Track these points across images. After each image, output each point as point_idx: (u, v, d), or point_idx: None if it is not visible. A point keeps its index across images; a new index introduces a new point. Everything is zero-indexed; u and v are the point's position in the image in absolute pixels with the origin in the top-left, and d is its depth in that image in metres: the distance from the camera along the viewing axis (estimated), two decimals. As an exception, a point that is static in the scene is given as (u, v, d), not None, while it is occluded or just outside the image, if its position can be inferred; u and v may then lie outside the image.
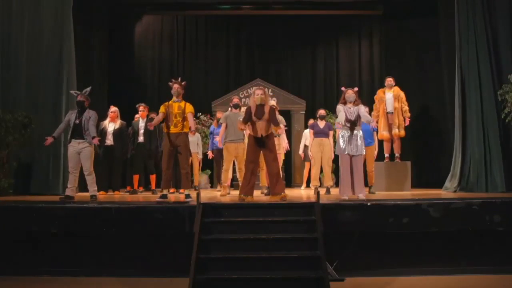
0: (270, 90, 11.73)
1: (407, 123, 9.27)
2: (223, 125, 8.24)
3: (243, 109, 8.90)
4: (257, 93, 6.61)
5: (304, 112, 11.90)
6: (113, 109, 8.99)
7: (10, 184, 8.25)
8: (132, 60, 12.92)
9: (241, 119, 7.67)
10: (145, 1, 12.10)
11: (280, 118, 8.38)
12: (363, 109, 7.02)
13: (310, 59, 13.19)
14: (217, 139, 8.79)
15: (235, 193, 8.83)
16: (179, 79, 7.14)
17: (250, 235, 5.56)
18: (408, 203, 6.21)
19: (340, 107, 6.98)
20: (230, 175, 8.55)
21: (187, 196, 6.89)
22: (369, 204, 6.12)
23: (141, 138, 9.03)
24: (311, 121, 10.09)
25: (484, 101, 8.67)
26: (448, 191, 8.81)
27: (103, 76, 11.08)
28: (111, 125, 8.85)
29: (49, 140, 7.03)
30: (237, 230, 5.65)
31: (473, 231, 6.19)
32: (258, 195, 8.59)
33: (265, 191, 8.35)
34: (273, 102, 8.72)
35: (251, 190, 6.51)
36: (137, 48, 13.02)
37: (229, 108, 8.46)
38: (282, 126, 8.37)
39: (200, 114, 11.48)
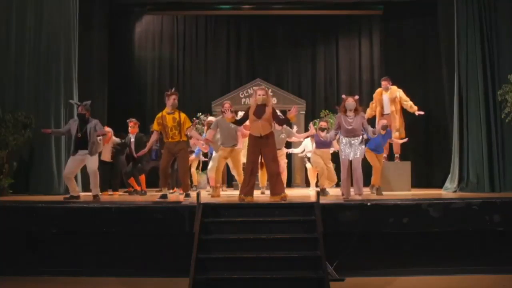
0: (270, 90, 11.71)
1: (420, 112, 9.28)
2: (212, 131, 7.90)
3: (241, 113, 8.89)
4: (258, 93, 6.63)
5: (304, 112, 11.89)
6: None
7: (10, 184, 8.25)
8: (132, 60, 12.90)
9: (232, 126, 7.73)
10: (145, 1, 12.08)
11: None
12: (368, 127, 7.04)
13: (310, 59, 13.16)
14: (201, 144, 8.52)
15: (234, 193, 8.82)
16: (173, 90, 7.31)
17: (250, 235, 5.57)
18: (408, 203, 6.22)
19: (337, 120, 7.06)
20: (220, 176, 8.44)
21: (187, 195, 6.95)
22: (369, 204, 6.12)
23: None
24: (313, 131, 9.60)
25: (484, 101, 8.67)
26: (448, 191, 8.81)
27: (103, 76, 11.06)
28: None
29: (47, 131, 7.26)
30: (237, 230, 5.66)
31: (473, 231, 6.20)
32: (258, 195, 8.58)
33: (266, 191, 8.34)
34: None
35: (251, 190, 6.51)
36: (137, 48, 12.99)
37: (221, 114, 8.32)
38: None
39: (200, 114, 11.48)
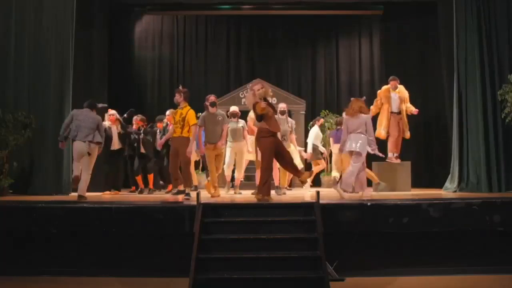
0: (270, 90, 11.67)
1: (416, 112, 9.24)
2: (201, 128, 8.12)
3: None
4: (257, 88, 6.60)
5: (304, 112, 11.89)
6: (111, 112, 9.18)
7: (10, 184, 8.25)
8: (132, 60, 12.91)
9: (220, 119, 8.06)
10: (145, 1, 12.09)
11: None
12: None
13: (310, 59, 13.17)
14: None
15: (232, 193, 8.83)
16: (180, 87, 7.58)
17: (250, 235, 5.57)
18: (408, 203, 6.22)
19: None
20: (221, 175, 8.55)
21: (187, 195, 7.00)
22: (369, 204, 6.12)
23: (142, 149, 9.19)
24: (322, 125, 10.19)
25: (484, 101, 8.67)
26: (448, 191, 8.81)
27: (103, 76, 11.07)
28: (114, 128, 9.04)
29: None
30: (237, 230, 5.65)
31: (473, 231, 6.20)
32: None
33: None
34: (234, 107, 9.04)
35: (269, 190, 6.44)
36: (137, 48, 13.00)
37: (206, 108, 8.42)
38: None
39: (200, 114, 11.48)
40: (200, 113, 11.44)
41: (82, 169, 7.11)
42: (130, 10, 12.65)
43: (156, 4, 12.11)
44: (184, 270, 5.21)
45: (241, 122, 8.68)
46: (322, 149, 10.27)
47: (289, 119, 8.98)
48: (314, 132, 10.21)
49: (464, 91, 8.85)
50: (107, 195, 8.65)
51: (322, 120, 10.47)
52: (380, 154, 7.57)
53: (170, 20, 13.14)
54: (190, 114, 7.32)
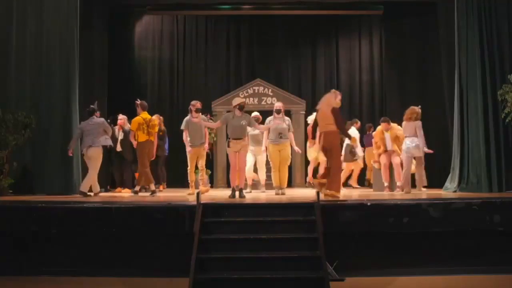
0: (270, 90, 11.71)
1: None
2: (186, 132, 8.51)
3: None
4: (339, 98, 7.07)
5: (304, 112, 11.88)
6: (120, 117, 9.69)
7: (10, 184, 8.25)
8: (132, 60, 12.91)
9: (207, 122, 8.55)
10: (145, 1, 12.09)
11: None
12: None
13: (310, 59, 13.17)
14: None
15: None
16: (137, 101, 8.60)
17: (250, 235, 5.58)
18: (408, 203, 6.22)
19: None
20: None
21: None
22: (369, 204, 6.12)
23: None
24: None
25: (484, 101, 8.66)
26: (448, 191, 8.81)
27: (103, 76, 11.07)
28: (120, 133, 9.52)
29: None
30: (237, 230, 5.66)
31: (473, 231, 6.20)
32: (260, 195, 8.59)
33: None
34: (255, 113, 9.25)
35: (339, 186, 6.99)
36: (137, 48, 13.01)
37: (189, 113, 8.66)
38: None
39: (200, 114, 11.47)
40: (200, 114, 11.48)
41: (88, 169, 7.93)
42: (130, 10, 12.65)
43: (156, 4, 12.11)
44: (184, 270, 5.22)
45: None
46: (358, 150, 10.15)
47: (285, 117, 9.03)
48: (354, 134, 10.10)
49: (465, 91, 8.84)
50: (116, 193, 9.00)
51: (359, 123, 10.78)
52: (430, 151, 8.79)
53: (170, 20, 13.14)
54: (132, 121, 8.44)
